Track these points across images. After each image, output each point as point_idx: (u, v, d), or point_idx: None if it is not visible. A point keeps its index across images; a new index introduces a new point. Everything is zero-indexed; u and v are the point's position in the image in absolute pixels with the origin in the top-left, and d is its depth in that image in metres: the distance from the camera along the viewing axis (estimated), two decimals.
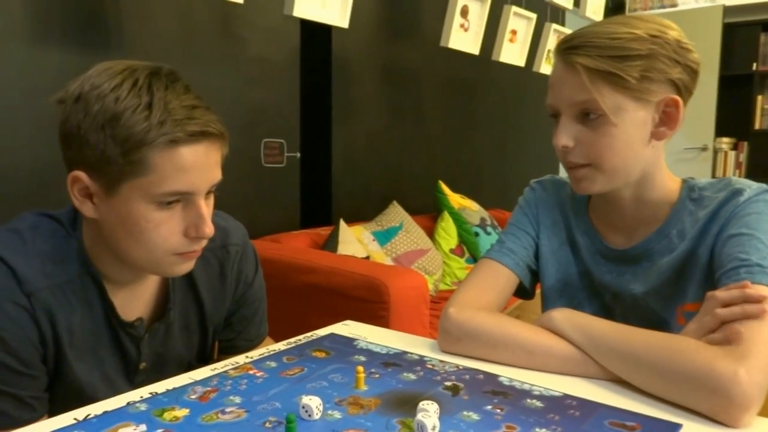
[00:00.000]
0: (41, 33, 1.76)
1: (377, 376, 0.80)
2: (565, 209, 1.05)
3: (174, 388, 0.77)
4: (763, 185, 0.91)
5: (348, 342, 0.94)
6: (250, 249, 1.04)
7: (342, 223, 2.34)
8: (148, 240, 0.79)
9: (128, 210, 0.77)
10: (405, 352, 0.90)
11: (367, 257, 2.17)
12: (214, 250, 0.96)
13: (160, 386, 0.77)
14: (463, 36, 2.72)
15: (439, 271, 2.58)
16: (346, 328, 1.02)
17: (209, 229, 0.81)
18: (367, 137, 2.84)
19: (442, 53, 2.71)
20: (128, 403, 0.72)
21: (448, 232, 2.76)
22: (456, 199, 2.87)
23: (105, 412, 0.70)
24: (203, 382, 0.78)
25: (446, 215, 2.80)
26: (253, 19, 2.30)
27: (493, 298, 0.97)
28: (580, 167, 0.90)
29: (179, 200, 0.79)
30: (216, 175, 0.82)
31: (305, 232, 2.41)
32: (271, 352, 0.89)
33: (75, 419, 0.68)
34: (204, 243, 0.84)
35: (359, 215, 2.69)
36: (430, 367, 0.84)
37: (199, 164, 0.78)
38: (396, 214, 2.62)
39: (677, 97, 0.87)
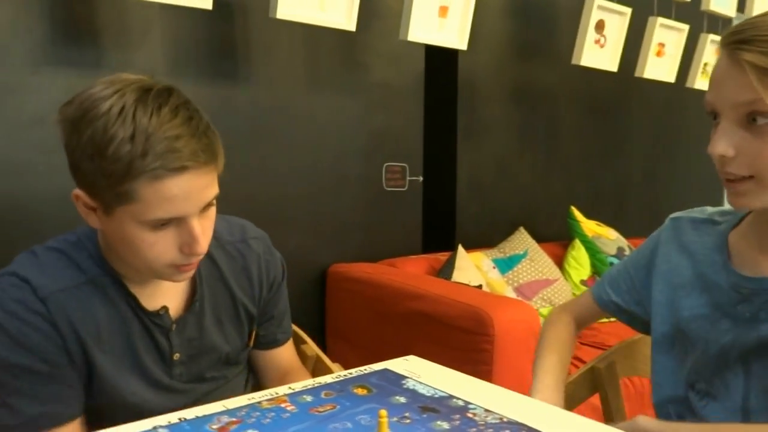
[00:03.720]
0: (177, 68, 1.92)
1: (408, 421, 0.74)
2: (696, 251, 0.92)
3: (204, 416, 0.77)
4: None
5: (396, 380, 0.88)
6: (272, 247, 1.09)
7: (460, 249, 2.28)
8: (145, 256, 0.83)
9: (123, 230, 0.81)
10: (452, 397, 0.83)
11: (480, 286, 2.08)
12: (235, 244, 1.01)
13: (190, 412, 0.77)
14: (599, 52, 2.55)
15: None
16: (406, 363, 0.96)
17: (201, 248, 0.83)
18: (494, 160, 2.76)
19: (579, 71, 2.56)
20: (154, 427, 0.73)
21: (579, 261, 2.58)
22: (590, 227, 2.67)
23: None
24: (232, 411, 0.78)
25: (578, 243, 2.62)
26: (378, 46, 2.34)
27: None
28: (739, 181, 0.77)
29: (172, 221, 0.81)
30: (208, 195, 0.83)
31: (424, 257, 2.38)
32: (315, 385, 0.87)
33: None
34: (200, 257, 0.86)
35: (484, 241, 2.61)
36: (471, 416, 0.76)
37: (185, 193, 0.79)
38: (521, 240, 2.50)
39: None
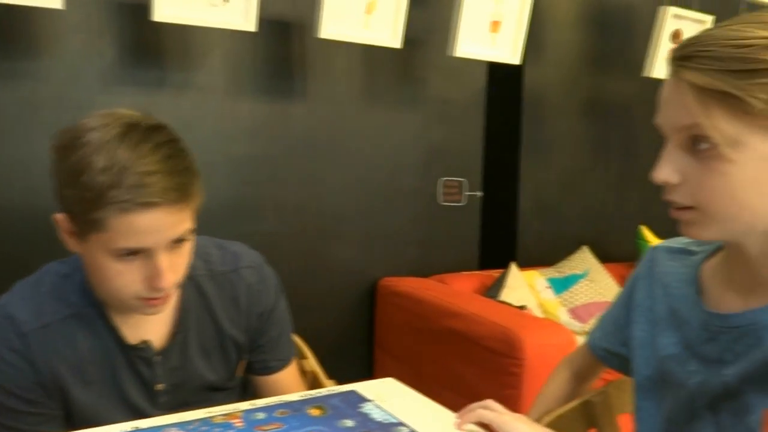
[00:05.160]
0: (235, 86, 2.02)
1: None
2: (669, 283, 0.85)
3: (158, 426, 0.81)
4: None
5: (355, 403, 0.89)
6: (267, 275, 1.05)
7: (512, 267, 2.22)
8: (113, 286, 0.85)
9: (94, 258, 0.83)
10: (401, 424, 0.82)
11: (523, 306, 2.02)
12: (226, 274, 1.00)
13: (146, 423, 0.82)
14: None
15: None
16: (380, 386, 0.96)
17: (165, 283, 0.83)
18: (561, 176, 2.67)
19: (661, 83, 2.42)
20: None
21: None
22: None
23: None
24: (183, 425, 0.81)
25: None
26: (436, 61, 2.33)
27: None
28: (683, 210, 0.71)
29: (139, 254, 0.82)
30: (177, 231, 0.83)
31: (476, 274, 2.35)
32: (276, 402, 0.89)
33: None
34: (167, 293, 0.86)
35: (546, 259, 2.53)
36: None
37: (154, 228, 0.80)
38: (582, 260, 2.40)
39: None
